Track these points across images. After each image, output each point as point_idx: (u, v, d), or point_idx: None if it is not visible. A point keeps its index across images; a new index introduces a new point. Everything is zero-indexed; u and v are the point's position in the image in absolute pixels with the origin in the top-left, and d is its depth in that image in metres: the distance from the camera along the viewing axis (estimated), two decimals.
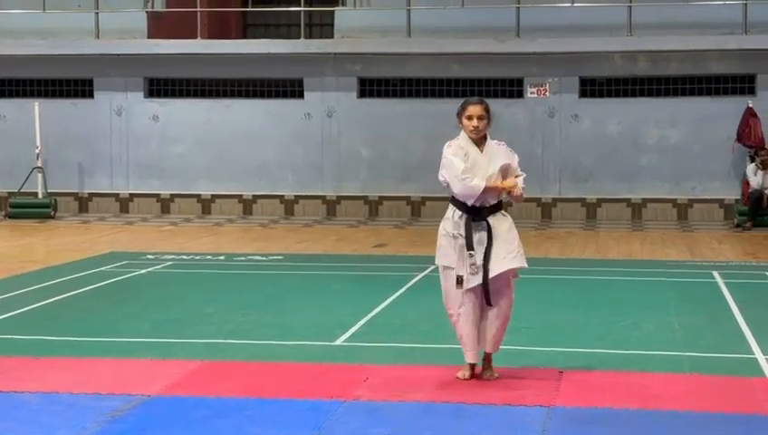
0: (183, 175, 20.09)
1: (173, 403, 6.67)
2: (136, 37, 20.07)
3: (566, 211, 19.10)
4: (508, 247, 7.11)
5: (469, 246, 7.02)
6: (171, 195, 20.18)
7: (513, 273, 7.26)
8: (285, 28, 22.78)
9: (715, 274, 12.39)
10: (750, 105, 18.14)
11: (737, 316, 9.74)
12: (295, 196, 19.70)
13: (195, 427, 6.18)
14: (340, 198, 19.55)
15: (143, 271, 12.72)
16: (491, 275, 7.05)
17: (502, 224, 7.16)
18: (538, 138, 19.18)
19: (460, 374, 7.24)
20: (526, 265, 7.27)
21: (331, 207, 19.62)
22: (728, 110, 18.53)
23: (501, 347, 8.38)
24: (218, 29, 21.46)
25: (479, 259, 7.03)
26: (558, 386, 7.05)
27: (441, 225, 7.22)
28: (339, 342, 8.65)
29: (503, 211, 7.22)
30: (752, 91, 18.60)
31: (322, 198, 19.67)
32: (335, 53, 19.50)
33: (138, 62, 19.92)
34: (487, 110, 7.24)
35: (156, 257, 13.86)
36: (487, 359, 7.30)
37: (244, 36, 22.98)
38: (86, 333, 8.99)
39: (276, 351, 8.29)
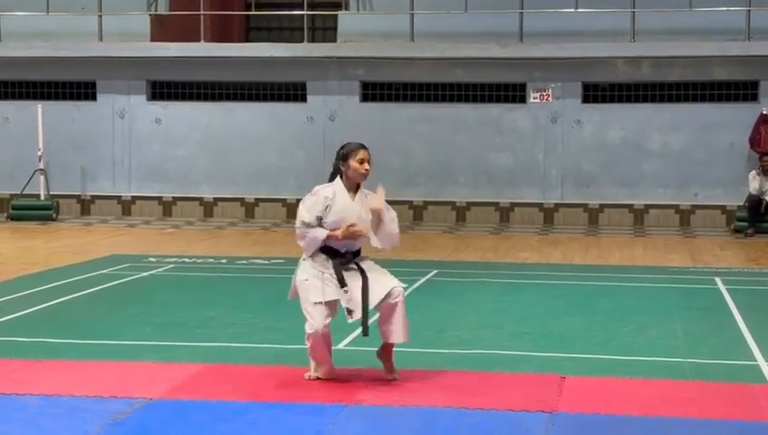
0: (185, 178, 20.09)
1: (175, 407, 6.65)
2: (139, 40, 20.08)
3: (568, 217, 19.09)
4: (383, 278, 7.22)
5: (342, 283, 7.13)
6: (173, 198, 20.18)
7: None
8: (288, 32, 22.79)
9: (718, 280, 12.38)
10: (765, 112, 18.12)
11: (740, 323, 9.73)
12: (297, 199, 19.58)
13: (196, 430, 6.16)
14: None
15: (145, 274, 12.71)
16: (377, 301, 7.13)
17: (367, 263, 7.29)
18: (540, 143, 19.18)
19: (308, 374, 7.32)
20: (404, 285, 7.35)
21: None
22: (731, 116, 18.53)
23: (503, 352, 8.40)
24: (221, 32, 21.47)
25: (355, 294, 7.11)
26: (560, 392, 7.03)
27: (300, 269, 7.21)
28: (341, 346, 8.63)
29: (362, 254, 7.34)
30: (755, 98, 18.59)
31: None
32: (338, 57, 19.51)
33: (141, 64, 19.94)
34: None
35: (158, 260, 13.86)
36: (388, 356, 7.36)
37: (247, 40, 23.00)
38: (88, 336, 8.97)
39: (278, 354, 8.28)
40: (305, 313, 7.16)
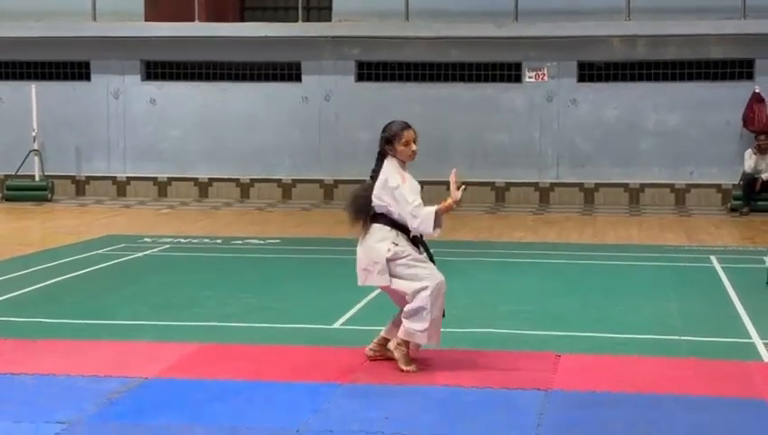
0: (180, 158, 20.06)
1: (170, 386, 6.66)
2: (133, 20, 20.01)
3: (564, 196, 19.09)
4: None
5: (431, 259, 7.26)
6: (168, 178, 20.16)
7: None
8: (283, 11, 22.73)
9: (713, 258, 12.40)
10: (758, 90, 18.12)
11: (735, 301, 9.75)
12: (293, 179, 19.67)
13: (192, 409, 6.17)
14: (337, 181, 19.52)
15: (140, 254, 12.71)
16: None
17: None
18: (536, 122, 19.16)
19: (413, 368, 7.09)
20: None
21: (329, 190, 19.60)
22: (727, 94, 18.52)
23: (498, 331, 8.42)
24: (216, 12, 21.39)
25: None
26: (555, 370, 7.05)
27: (384, 246, 7.09)
28: (336, 325, 8.65)
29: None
30: (750, 76, 18.57)
31: (320, 181, 19.64)
32: (333, 37, 19.45)
33: (135, 44, 19.87)
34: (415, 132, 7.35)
35: (153, 241, 13.85)
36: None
37: (242, 19, 22.92)
38: (83, 316, 8.98)
39: (274, 334, 8.29)
40: (415, 278, 7.02)
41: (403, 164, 7.30)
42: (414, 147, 7.26)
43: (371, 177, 7.23)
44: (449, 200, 7.14)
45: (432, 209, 7.06)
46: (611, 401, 6.35)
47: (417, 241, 7.22)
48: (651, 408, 6.21)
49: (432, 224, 7.06)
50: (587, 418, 6.04)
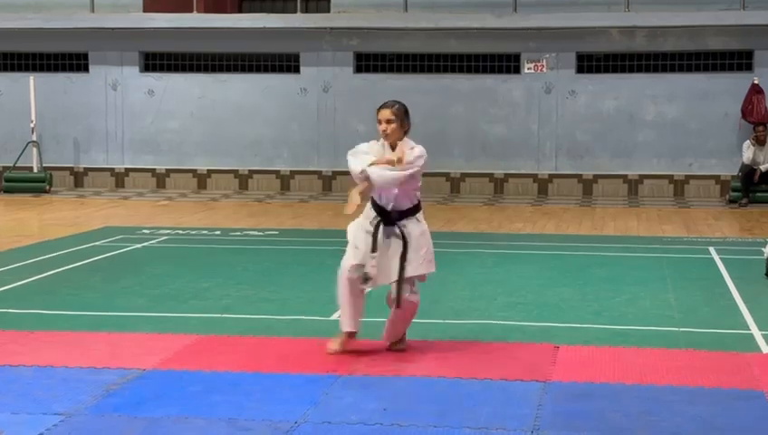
0: (178, 150, 20.04)
1: (168, 377, 6.65)
2: (131, 11, 19.98)
3: (562, 187, 19.08)
4: (415, 255, 7.10)
5: (373, 249, 7.04)
6: (167, 170, 20.14)
7: (420, 278, 7.25)
8: (281, 2, 22.69)
9: (712, 250, 12.39)
10: (756, 81, 18.11)
11: (733, 292, 9.74)
12: (291, 171, 19.65)
13: (190, 401, 6.16)
14: (335, 173, 19.51)
15: (138, 246, 12.70)
16: (385, 282, 7.15)
17: (417, 228, 7.15)
18: (535, 114, 19.14)
19: (330, 347, 7.20)
20: (432, 270, 7.26)
21: (327, 182, 19.59)
22: (726, 86, 18.51)
23: (496, 322, 8.41)
24: (214, 3, 21.36)
25: (387, 266, 7.05)
26: (554, 361, 7.04)
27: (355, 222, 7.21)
28: (334, 316, 8.61)
29: (417, 216, 7.19)
30: (749, 68, 18.56)
31: (318, 173, 19.63)
32: (331, 28, 19.42)
33: (133, 36, 19.84)
34: (395, 112, 7.15)
35: (151, 232, 13.84)
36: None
37: (240, 10, 22.88)
38: (81, 308, 8.97)
39: (272, 325, 8.28)
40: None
41: (393, 144, 7.18)
42: (382, 126, 7.14)
43: None
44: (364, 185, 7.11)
45: (361, 163, 7.08)
46: (610, 393, 6.35)
47: (386, 216, 7.09)
48: (650, 399, 6.21)
49: (356, 165, 7.09)
50: (585, 409, 6.04)
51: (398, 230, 7.08)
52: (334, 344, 7.24)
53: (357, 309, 7.20)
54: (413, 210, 7.18)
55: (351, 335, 7.24)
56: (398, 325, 7.28)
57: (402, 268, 7.05)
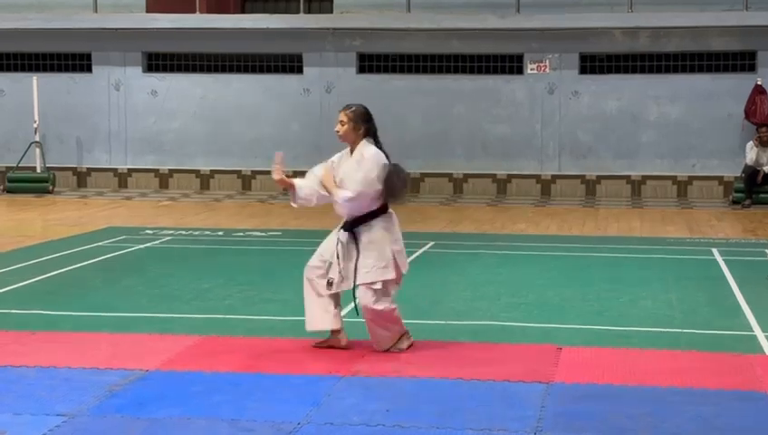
0: (181, 150, 20.05)
1: (171, 378, 6.66)
2: (134, 11, 19.98)
3: (565, 188, 19.07)
4: (363, 262, 7.15)
5: (337, 254, 7.22)
6: (169, 170, 20.15)
7: (390, 283, 7.23)
8: (284, 3, 22.67)
9: (714, 251, 12.38)
10: (759, 82, 18.09)
11: (736, 293, 9.73)
12: (294, 172, 19.53)
13: (192, 401, 6.17)
14: None
15: (141, 246, 12.70)
16: (349, 287, 7.23)
17: (366, 235, 7.19)
18: (538, 114, 19.13)
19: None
20: (386, 277, 7.17)
21: None
22: (729, 86, 18.49)
23: (499, 323, 8.40)
24: (217, 3, 21.34)
25: (347, 271, 7.17)
26: (556, 363, 7.04)
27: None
28: None
29: (372, 223, 7.20)
30: (752, 68, 18.54)
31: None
32: (334, 29, 19.42)
33: (136, 36, 19.85)
34: (348, 114, 7.29)
35: (154, 233, 13.84)
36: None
37: (243, 11, 22.85)
38: (84, 308, 8.97)
39: (274, 326, 8.29)
40: None
41: (351, 147, 7.36)
42: (336, 127, 7.35)
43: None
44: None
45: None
46: (612, 394, 6.34)
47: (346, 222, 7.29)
48: (652, 401, 6.21)
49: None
50: (588, 410, 6.03)
51: (354, 237, 7.20)
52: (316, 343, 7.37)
53: (322, 308, 7.26)
54: (369, 217, 7.22)
55: (336, 332, 7.34)
56: (375, 333, 7.29)
57: (355, 275, 7.15)
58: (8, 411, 5.95)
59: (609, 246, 12.89)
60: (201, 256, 12.15)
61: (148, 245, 12.84)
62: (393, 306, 7.24)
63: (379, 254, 7.16)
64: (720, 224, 15.28)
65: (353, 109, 7.33)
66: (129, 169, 20.25)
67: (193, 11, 19.82)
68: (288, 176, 7.48)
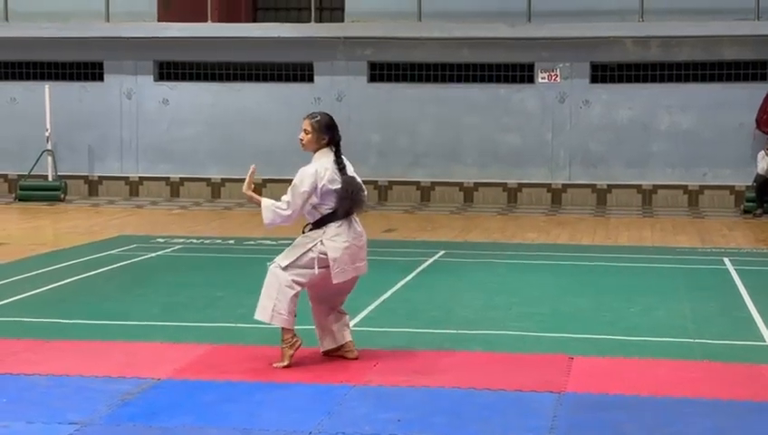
0: (193, 159, 20.09)
1: (183, 387, 6.66)
2: (146, 20, 20.05)
3: (576, 197, 19.06)
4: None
5: None
6: (181, 178, 20.19)
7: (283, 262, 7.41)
8: (295, 12, 22.74)
9: (726, 260, 12.36)
10: None
11: (748, 303, 9.71)
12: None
13: (205, 411, 6.17)
14: None
15: (153, 254, 12.72)
16: None
17: (299, 238, 7.41)
18: (548, 123, 19.13)
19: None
20: (286, 262, 7.36)
21: None
22: (740, 96, 18.47)
23: (510, 333, 8.38)
24: (228, 12, 21.42)
25: None
26: (568, 372, 7.03)
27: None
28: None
29: (310, 233, 7.32)
30: (763, 78, 18.53)
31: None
32: (345, 37, 19.46)
33: (148, 45, 19.91)
34: (313, 124, 7.35)
35: (165, 241, 13.87)
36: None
37: (255, 20, 22.95)
38: (96, 317, 8.99)
39: None
40: None
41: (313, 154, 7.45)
42: (300, 135, 7.44)
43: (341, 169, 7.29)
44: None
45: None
46: (624, 404, 6.33)
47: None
48: (665, 411, 6.19)
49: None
50: (600, 421, 6.02)
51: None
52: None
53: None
54: (313, 225, 7.30)
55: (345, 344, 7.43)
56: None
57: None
58: (21, 420, 5.96)
59: (620, 256, 12.88)
60: (213, 264, 12.16)
61: (159, 253, 12.86)
62: (294, 286, 7.19)
63: (294, 249, 7.33)
64: (732, 233, 15.25)
65: (317, 118, 7.36)
66: (140, 177, 20.30)
67: (204, 20, 19.88)
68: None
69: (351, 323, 8.66)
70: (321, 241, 7.17)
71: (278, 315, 7.12)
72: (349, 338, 7.42)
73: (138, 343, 7.85)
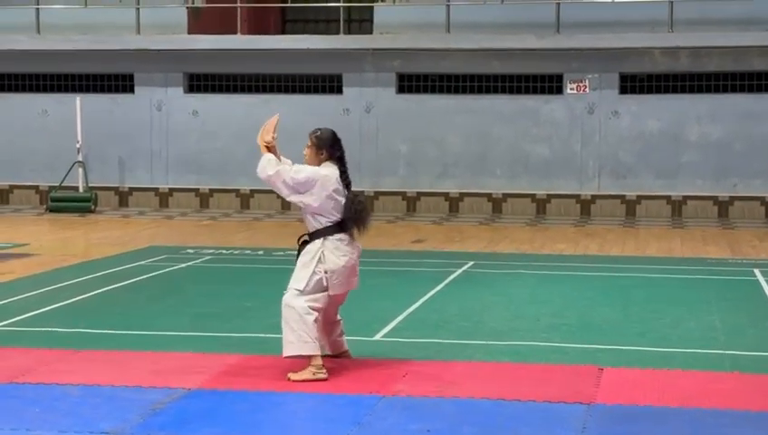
0: (222, 170, 20.18)
1: (213, 397, 6.70)
2: (176, 33, 20.17)
3: (605, 208, 19.00)
4: (298, 268, 7.37)
5: None
6: (210, 190, 20.28)
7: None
8: (324, 24, 22.82)
9: (757, 272, 12.29)
10: None
11: None
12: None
13: (235, 420, 6.20)
14: (378, 193, 19.57)
15: (182, 265, 12.79)
16: None
17: (306, 248, 7.38)
18: (577, 134, 19.10)
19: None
20: (291, 305, 7.30)
21: (370, 202, 19.62)
22: None
23: (540, 344, 8.38)
24: (257, 25, 21.52)
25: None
26: (598, 383, 7.02)
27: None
28: (378, 337, 8.66)
29: (318, 240, 7.34)
30: None
31: (361, 193, 19.64)
32: (374, 49, 19.50)
33: (178, 57, 20.03)
34: (312, 139, 7.71)
35: (195, 252, 13.94)
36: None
37: (284, 32, 23.04)
38: (126, 327, 9.05)
39: None
40: None
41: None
42: (304, 150, 7.73)
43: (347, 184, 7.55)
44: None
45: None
46: (654, 416, 6.31)
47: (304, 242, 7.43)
48: (695, 422, 6.17)
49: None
50: (630, 432, 6.01)
51: (299, 253, 7.43)
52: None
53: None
54: (312, 236, 7.35)
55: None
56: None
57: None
58: (53, 429, 6.01)
59: (649, 267, 12.83)
60: (242, 275, 12.21)
61: (189, 264, 12.92)
62: (312, 312, 7.19)
63: (301, 272, 7.30)
64: (762, 244, 15.16)
65: (318, 133, 7.63)
66: (170, 188, 20.41)
67: (234, 32, 19.99)
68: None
69: (381, 334, 8.73)
70: (322, 253, 7.25)
71: (305, 344, 7.13)
72: (345, 347, 7.66)
73: (167, 353, 7.90)
